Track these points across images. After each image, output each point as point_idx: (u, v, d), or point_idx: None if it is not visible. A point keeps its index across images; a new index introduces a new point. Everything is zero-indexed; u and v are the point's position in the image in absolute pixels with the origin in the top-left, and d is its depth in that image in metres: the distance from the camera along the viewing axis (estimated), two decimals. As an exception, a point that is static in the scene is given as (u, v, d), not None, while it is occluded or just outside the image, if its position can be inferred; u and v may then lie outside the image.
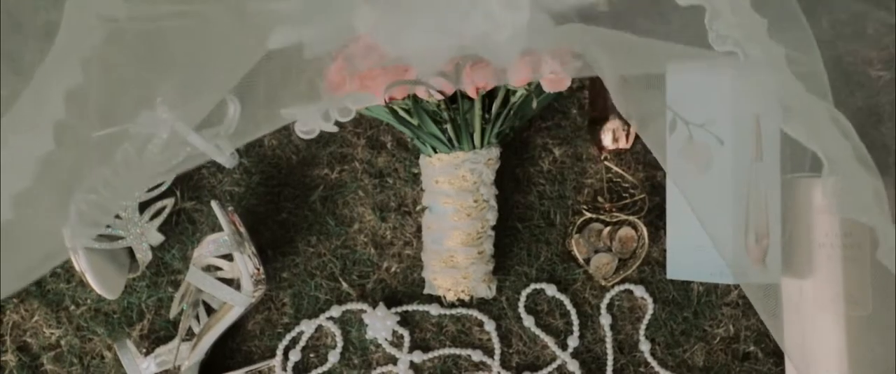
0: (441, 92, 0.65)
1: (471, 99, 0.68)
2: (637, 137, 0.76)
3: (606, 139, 0.77)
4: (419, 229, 0.77)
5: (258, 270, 0.73)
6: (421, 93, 0.66)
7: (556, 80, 0.66)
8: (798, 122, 0.62)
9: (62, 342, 0.77)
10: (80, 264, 0.71)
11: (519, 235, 0.78)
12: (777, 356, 0.78)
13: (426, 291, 0.76)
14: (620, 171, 0.78)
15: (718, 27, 0.62)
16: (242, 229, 0.73)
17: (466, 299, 0.75)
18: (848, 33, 0.80)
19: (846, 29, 0.80)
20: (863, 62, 0.80)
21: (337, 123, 0.72)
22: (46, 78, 0.69)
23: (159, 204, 0.75)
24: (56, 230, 0.70)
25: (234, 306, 0.73)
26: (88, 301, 0.78)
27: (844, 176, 0.62)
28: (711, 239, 0.70)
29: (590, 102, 0.79)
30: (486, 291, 0.75)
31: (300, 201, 0.79)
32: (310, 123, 0.67)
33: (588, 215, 0.77)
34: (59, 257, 0.71)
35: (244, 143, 0.74)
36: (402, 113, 0.70)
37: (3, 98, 0.80)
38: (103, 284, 0.72)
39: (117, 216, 0.73)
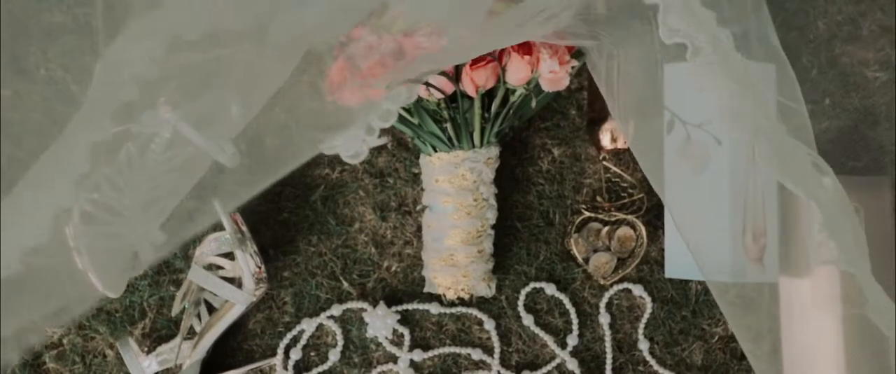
0: (441, 90, 0.65)
1: (470, 98, 0.68)
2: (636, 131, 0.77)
3: (605, 139, 0.77)
4: (419, 229, 0.78)
5: (260, 268, 0.73)
6: (421, 91, 0.67)
7: (554, 79, 0.67)
8: (781, 166, 0.61)
9: (64, 341, 0.78)
10: (83, 262, 0.71)
11: (518, 234, 0.79)
12: (775, 354, 0.78)
13: (426, 289, 0.77)
14: (619, 171, 0.79)
15: (700, 63, 0.61)
16: (244, 228, 0.74)
17: (466, 297, 0.75)
18: (844, 35, 0.81)
19: (842, 30, 0.81)
20: (859, 63, 0.81)
21: (338, 123, 0.73)
22: (74, 133, 0.68)
23: (165, 203, 0.76)
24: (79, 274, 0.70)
25: (235, 304, 0.73)
26: (91, 300, 0.78)
27: (829, 225, 0.61)
28: (700, 240, 0.70)
29: (588, 102, 0.79)
30: (486, 289, 0.75)
31: (301, 201, 0.79)
32: (354, 146, 0.62)
33: (587, 214, 0.78)
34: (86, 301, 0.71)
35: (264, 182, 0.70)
36: (402, 112, 0.71)
37: (5, 99, 0.81)
38: (105, 282, 0.72)
39: (121, 214, 0.73)
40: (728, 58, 0.61)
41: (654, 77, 0.76)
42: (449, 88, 0.66)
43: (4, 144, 0.80)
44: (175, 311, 0.75)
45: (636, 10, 0.80)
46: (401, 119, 0.71)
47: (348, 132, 0.62)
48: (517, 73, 0.67)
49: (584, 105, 0.80)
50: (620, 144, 0.77)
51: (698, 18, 0.60)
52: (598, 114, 0.78)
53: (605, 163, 0.79)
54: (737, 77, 0.61)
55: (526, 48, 0.66)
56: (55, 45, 0.81)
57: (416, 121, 0.71)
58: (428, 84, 0.65)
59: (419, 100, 0.68)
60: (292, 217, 0.79)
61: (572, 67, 0.70)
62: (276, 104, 0.78)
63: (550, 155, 0.80)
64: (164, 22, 0.65)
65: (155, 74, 0.67)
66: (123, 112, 0.67)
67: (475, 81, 0.66)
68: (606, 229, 0.78)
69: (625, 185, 0.79)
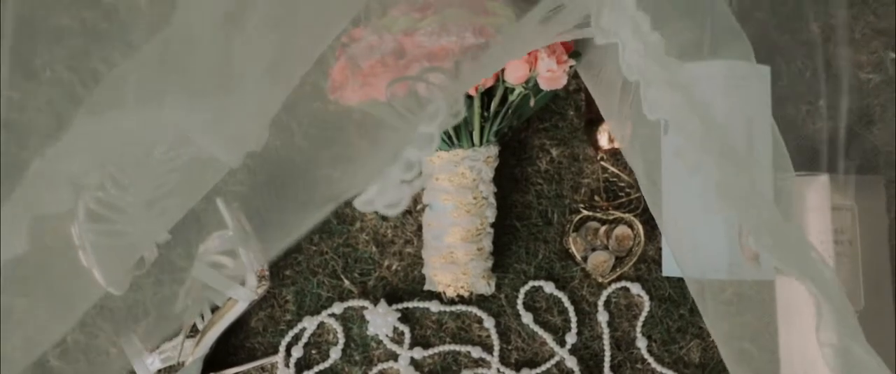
0: (441, 88, 0.66)
1: (470, 96, 0.69)
2: (633, 134, 0.78)
3: (602, 139, 0.78)
4: (419, 228, 0.79)
5: (262, 266, 0.74)
6: (421, 89, 0.68)
7: (552, 78, 0.68)
8: (787, 257, 0.58)
9: (68, 339, 0.78)
10: (88, 259, 0.72)
11: (517, 233, 0.80)
12: (772, 352, 0.79)
13: (426, 287, 0.77)
14: (616, 170, 0.80)
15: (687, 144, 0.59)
16: (248, 227, 0.75)
17: (466, 295, 0.76)
18: (837, 38, 0.82)
19: (835, 33, 0.82)
20: (853, 65, 0.82)
21: (339, 123, 0.74)
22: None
23: (167, 202, 0.77)
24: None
25: (238, 301, 0.74)
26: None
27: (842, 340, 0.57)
28: (697, 238, 0.71)
29: (586, 104, 0.80)
30: (485, 287, 0.76)
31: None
32: (392, 193, 0.52)
33: (585, 213, 0.79)
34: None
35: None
36: (403, 111, 0.72)
37: (14, 101, 0.82)
38: (109, 279, 0.73)
39: (125, 212, 0.74)
40: (711, 135, 0.58)
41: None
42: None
43: (11, 143, 0.81)
44: (178, 307, 0.76)
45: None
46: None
47: (387, 178, 0.51)
48: (516, 71, 0.68)
49: (581, 106, 0.81)
50: (617, 144, 0.78)
51: (672, 90, 0.59)
52: (595, 115, 0.79)
53: (602, 163, 0.80)
54: (725, 152, 0.59)
55: (524, 47, 0.67)
56: (62, 47, 0.82)
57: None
58: (428, 82, 0.66)
59: (420, 99, 0.69)
60: (294, 216, 0.80)
61: (570, 67, 0.71)
62: (281, 109, 0.79)
63: (549, 155, 0.81)
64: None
65: (94, 180, 0.67)
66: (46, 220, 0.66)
67: (474, 79, 0.67)
68: (604, 227, 0.79)
69: (622, 184, 0.80)
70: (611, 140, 0.78)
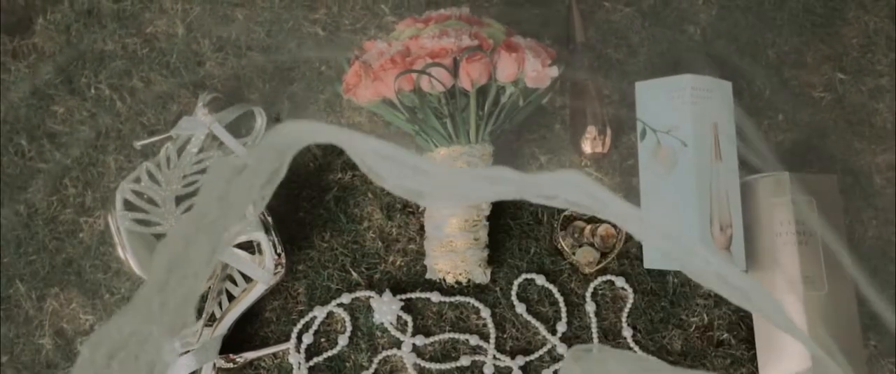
0: (441, 82, 0.76)
1: (467, 95, 0.79)
2: (614, 145, 0.88)
3: (586, 146, 0.87)
4: (421, 227, 0.86)
5: (279, 255, 0.81)
6: (424, 84, 0.77)
7: (537, 77, 0.78)
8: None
9: (96, 328, 0.84)
10: (122, 246, 0.79)
11: (511, 231, 0.87)
12: (748, 342, 0.85)
13: (427, 276, 0.84)
14: (600, 176, 0.88)
15: None
16: (269, 218, 0.82)
17: (464, 282, 0.83)
18: (791, 61, 0.93)
19: (789, 58, 0.93)
20: (806, 85, 0.92)
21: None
22: None
23: (194, 199, 0.85)
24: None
25: (255, 285, 0.80)
26: (122, 290, 0.85)
27: None
28: (679, 230, 0.79)
29: (571, 116, 0.90)
30: (482, 276, 0.83)
31: (316, 202, 0.88)
32: None
33: (571, 212, 0.87)
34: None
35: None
36: (408, 112, 0.81)
37: (58, 115, 0.91)
38: (142, 267, 0.80)
39: (156, 205, 0.82)
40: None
41: (628, 93, 0.87)
42: (448, 80, 0.76)
43: (55, 152, 0.90)
44: (201, 290, 0.82)
45: (610, 41, 0.93)
46: (409, 117, 0.81)
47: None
48: (506, 69, 0.77)
49: (567, 120, 0.91)
50: (598, 149, 0.87)
51: None
52: (578, 127, 0.88)
53: (586, 169, 0.89)
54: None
55: (513, 46, 0.77)
56: (106, 68, 0.92)
57: (421, 115, 0.80)
58: (430, 75, 0.75)
59: (423, 95, 0.78)
60: (308, 216, 0.88)
61: (555, 78, 0.81)
62: (297, 118, 0.89)
63: (538, 162, 0.90)
64: None
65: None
66: None
67: (470, 74, 0.77)
68: (589, 226, 0.87)
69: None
70: (593, 147, 0.87)
